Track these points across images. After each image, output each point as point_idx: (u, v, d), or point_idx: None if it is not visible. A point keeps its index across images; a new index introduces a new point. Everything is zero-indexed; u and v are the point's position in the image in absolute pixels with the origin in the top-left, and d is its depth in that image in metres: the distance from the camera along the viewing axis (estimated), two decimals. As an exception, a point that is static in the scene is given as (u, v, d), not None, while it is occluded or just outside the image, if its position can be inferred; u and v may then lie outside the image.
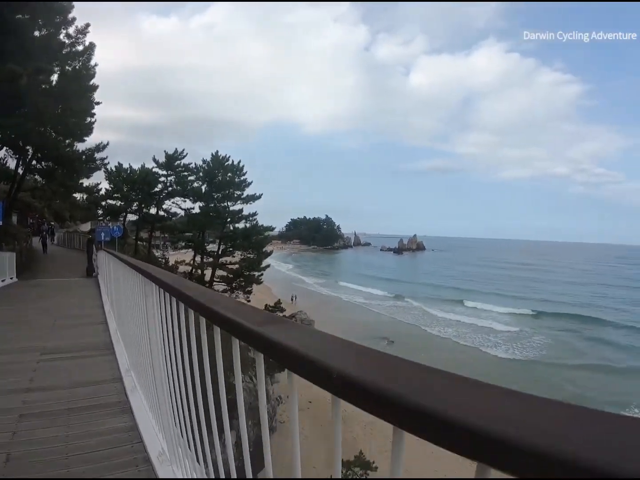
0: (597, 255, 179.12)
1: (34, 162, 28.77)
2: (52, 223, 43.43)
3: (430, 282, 74.27)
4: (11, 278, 17.40)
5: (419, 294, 62.01)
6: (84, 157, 29.61)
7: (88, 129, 29.67)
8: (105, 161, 31.48)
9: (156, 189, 38.96)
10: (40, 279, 19.01)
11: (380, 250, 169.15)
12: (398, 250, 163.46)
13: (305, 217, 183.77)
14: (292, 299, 50.83)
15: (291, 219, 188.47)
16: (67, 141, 28.26)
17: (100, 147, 29.92)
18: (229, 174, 37.86)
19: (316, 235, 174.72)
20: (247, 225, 38.01)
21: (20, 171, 29.83)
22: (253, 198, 38.30)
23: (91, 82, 27.49)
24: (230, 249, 38.44)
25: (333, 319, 42.56)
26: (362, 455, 18.30)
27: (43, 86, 24.15)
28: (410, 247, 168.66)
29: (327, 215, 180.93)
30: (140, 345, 3.95)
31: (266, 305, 33.60)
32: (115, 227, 23.89)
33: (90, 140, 30.21)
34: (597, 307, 55.86)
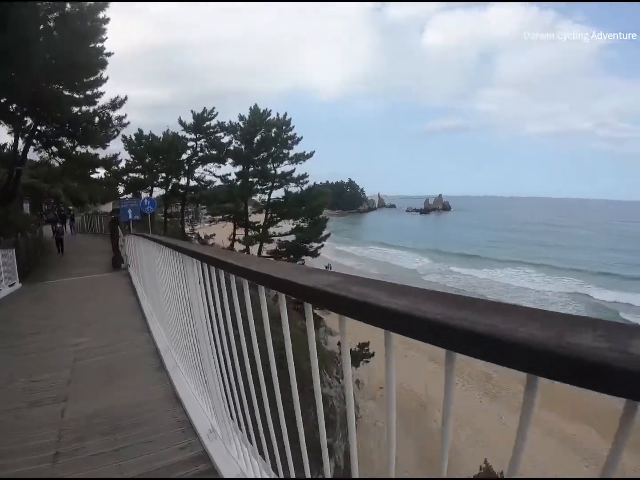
0: (627, 214, 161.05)
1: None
2: (71, 208, 39.09)
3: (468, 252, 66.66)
4: (10, 285, 13.35)
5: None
6: (97, 118, 24.70)
7: (100, 82, 24.92)
8: (124, 121, 26.33)
9: (185, 156, 34.97)
10: (51, 280, 15.07)
11: (407, 211, 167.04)
12: (425, 211, 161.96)
13: (327, 181, 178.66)
14: (326, 267, 46.81)
15: (314, 183, 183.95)
16: (73, 94, 23.25)
17: (116, 104, 24.97)
18: (274, 130, 32.78)
19: (340, 200, 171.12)
20: (300, 189, 32.98)
21: (20, 147, 25.20)
22: (303, 157, 33.52)
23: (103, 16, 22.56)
24: (277, 219, 33.54)
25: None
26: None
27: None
28: (436, 207, 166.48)
29: (350, 179, 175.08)
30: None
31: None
32: (145, 200, 19.13)
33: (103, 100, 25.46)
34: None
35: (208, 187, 36.11)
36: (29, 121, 24.66)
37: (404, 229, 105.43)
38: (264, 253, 32.93)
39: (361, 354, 21.43)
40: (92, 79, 24.70)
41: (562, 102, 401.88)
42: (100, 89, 25.48)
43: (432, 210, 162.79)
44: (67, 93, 23.74)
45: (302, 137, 33.38)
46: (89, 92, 25.10)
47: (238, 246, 33.10)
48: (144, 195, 32.18)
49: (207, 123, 34.45)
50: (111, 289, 12.14)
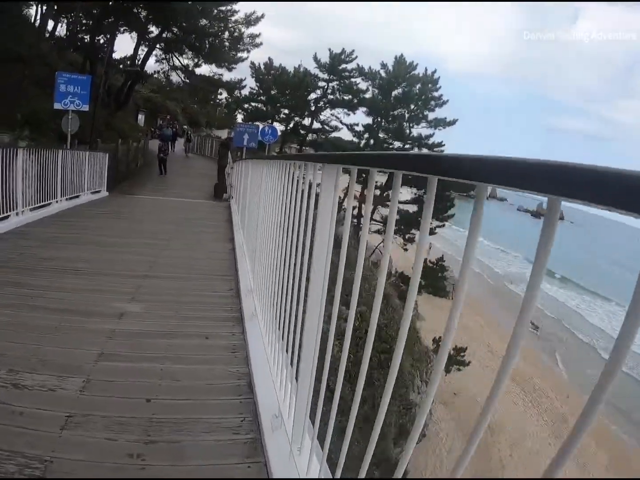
0: None
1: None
2: (185, 127, 37.90)
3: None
4: (94, 192, 11.74)
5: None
6: (227, 33, 22.42)
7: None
8: (258, 40, 23.84)
9: (313, 96, 32.79)
10: (142, 196, 13.39)
11: (517, 209, 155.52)
12: (537, 214, 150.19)
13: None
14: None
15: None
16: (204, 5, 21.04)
17: (251, 20, 22.42)
18: (418, 86, 29.30)
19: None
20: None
21: (140, 54, 23.62)
22: (444, 122, 29.60)
23: None
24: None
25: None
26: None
27: None
28: None
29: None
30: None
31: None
32: (267, 128, 16.61)
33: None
34: None
35: (331, 134, 33.71)
36: (154, 31, 23.07)
37: (514, 229, 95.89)
38: (377, 217, 29.95)
39: (455, 359, 19.41)
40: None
41: None
42: (234, 7, 23.21)
43: (544, 215, 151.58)
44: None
45: (447, 101, 29.59)
46: (222, 8, 22.86)
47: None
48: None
49: (344, 66, 31.72)
50: (203, 224, 9.91)
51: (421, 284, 24.63)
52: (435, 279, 28.51)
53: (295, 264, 2.28)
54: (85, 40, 22.81)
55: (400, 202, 29.32)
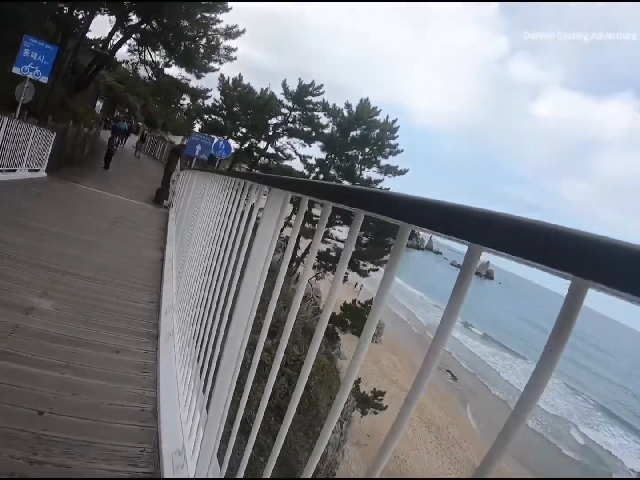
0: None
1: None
2: (140, 124, 37.03)
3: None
4: (32, 170, 11.30)
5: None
6: (204, 40, 22.37)
7: (219, 9, 22.60)
8: (233, 54, 23.92)
9: (274, 121, 33.02)
10: (81, 185, 12.56)
11: (451, 264, 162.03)
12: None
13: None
14: (355, 285, 45.66)
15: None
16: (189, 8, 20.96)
17: (232, 33, 22.52)
18: (377, 131, 29.98)
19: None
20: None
21: (116, 37, 23.20)
22: (395, 170, 30.34)
23: None
24: (341, 222, 30.54)
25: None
26: None
27: None
28: (479, 272, 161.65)
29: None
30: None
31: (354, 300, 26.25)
32: (220, 143, 16.37)
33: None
34: None
35: (284, 161, 33.81)
36: (133, 20, 22.73)
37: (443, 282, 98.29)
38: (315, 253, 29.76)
39: (372, 402, 19.20)
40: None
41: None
42: (218, 17, 23.28)
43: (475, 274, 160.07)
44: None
45: (402, 150, 30.37)
46: (206, 14, 22.85)
47: (287, 231, 30.19)
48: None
49: (310, 98, 32.18)
50: (138, 227, 9.51)
51: (347, 323, 24.76)
52: (363, 320, 28.65)
53: (222, 286, 2.16)
54: (64, 11, 22.18)
55: (338, 240, 29.94)
